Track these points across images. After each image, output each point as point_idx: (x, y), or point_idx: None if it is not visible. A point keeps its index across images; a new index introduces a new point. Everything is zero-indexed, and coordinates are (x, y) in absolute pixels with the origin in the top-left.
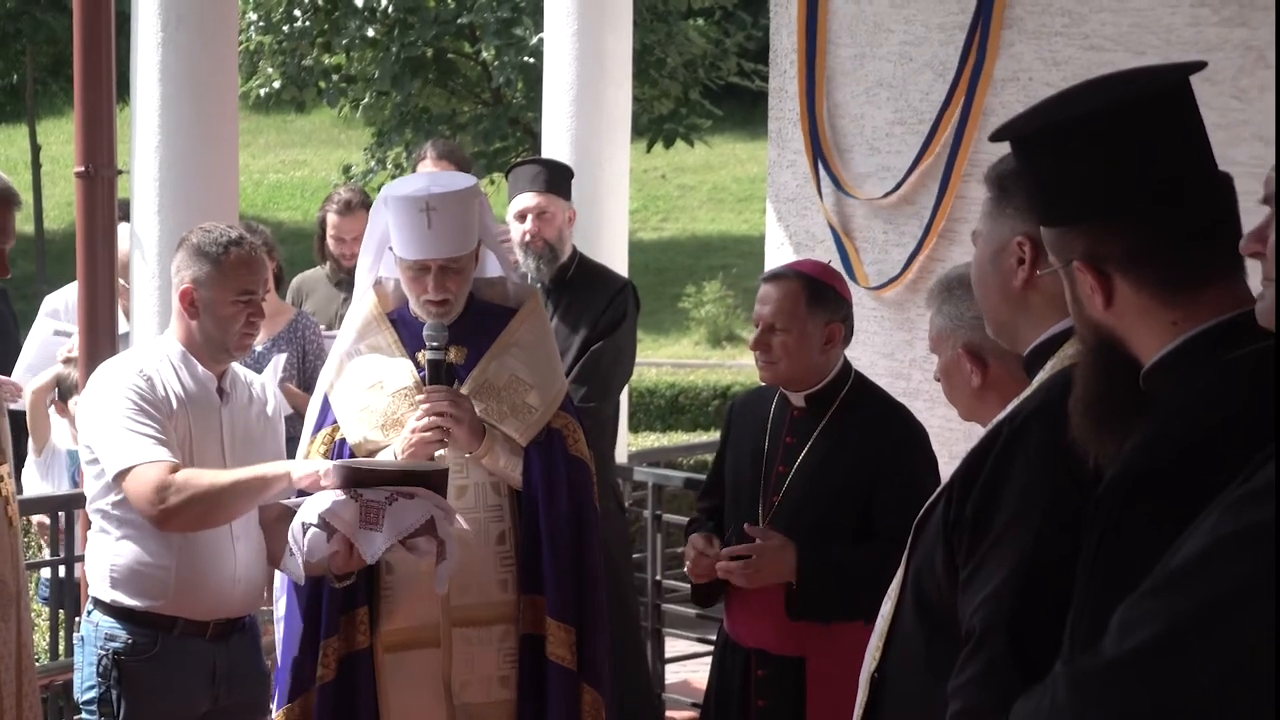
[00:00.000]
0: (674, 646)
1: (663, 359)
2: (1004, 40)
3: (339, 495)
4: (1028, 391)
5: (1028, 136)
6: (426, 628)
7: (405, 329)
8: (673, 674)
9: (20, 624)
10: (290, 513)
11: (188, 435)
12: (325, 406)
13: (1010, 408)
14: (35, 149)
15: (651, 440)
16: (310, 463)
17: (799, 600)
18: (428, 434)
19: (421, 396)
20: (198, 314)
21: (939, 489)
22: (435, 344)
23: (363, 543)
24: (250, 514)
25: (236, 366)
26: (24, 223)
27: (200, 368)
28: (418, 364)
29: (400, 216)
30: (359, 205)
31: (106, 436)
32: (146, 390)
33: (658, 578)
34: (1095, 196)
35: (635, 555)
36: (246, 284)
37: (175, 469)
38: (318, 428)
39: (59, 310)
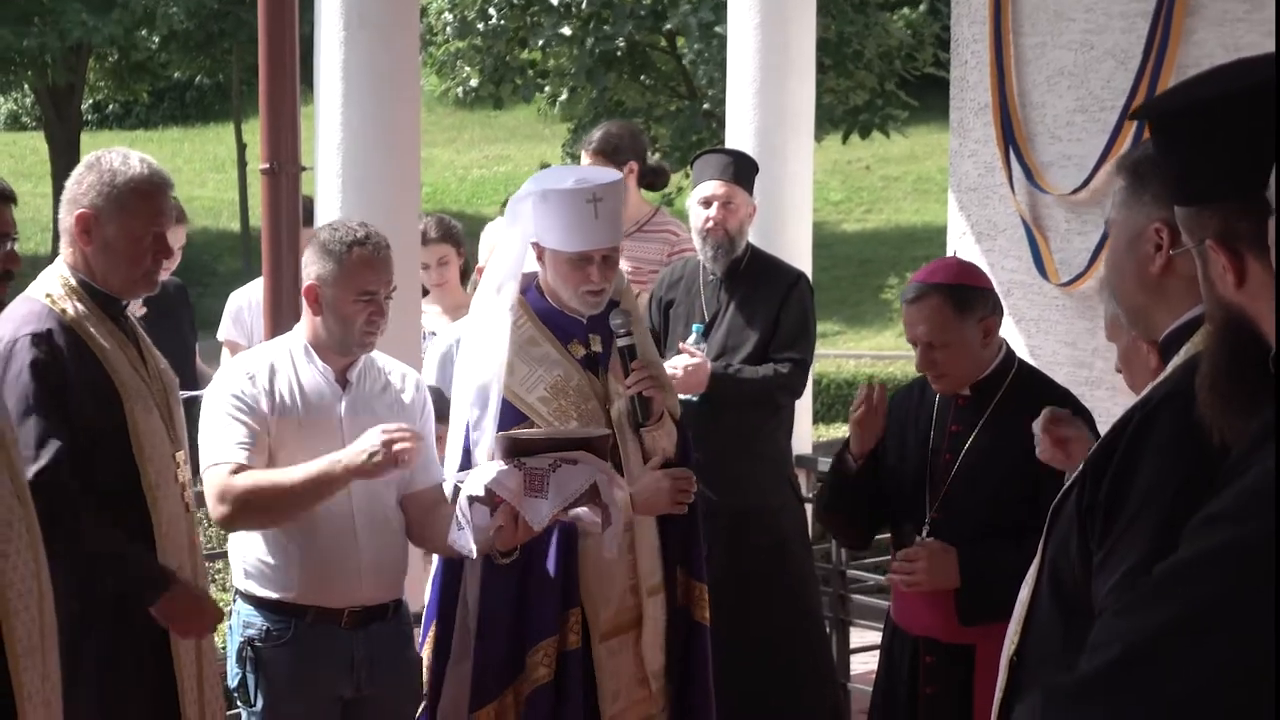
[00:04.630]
0: (860, 637)
1: (864, 351)
2: (1186, 28)
3: (502, 466)
4: (1161, 377)
5: (1167, 114)
6: (629, 609)
7: (553, 325)
8: (859, 664)
9: None
10: (443, 497)
11: (299, 427)
12: (504, 406)
13: (1144, 393)
14: (241, 147)
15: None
16: (361, 442)
17: (966, 608)
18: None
19: (632, 376)
20: (321, 311)
21: (1074, 475)
22: (625, 330)
23: (529, 510)
24: (381, 500)
25: (378, 356)
26: (230, 220)
27: (320, 361)
28: (578, 357)
29: (567, 210)
30: None
31: (201, 437)
32: (247, 390)
33: (843, 568)
34: (1231, 175)
35: (820, 546)
36: (368, 283)
37: (240, 469)
38: (502, 427)
39: (242, 308)
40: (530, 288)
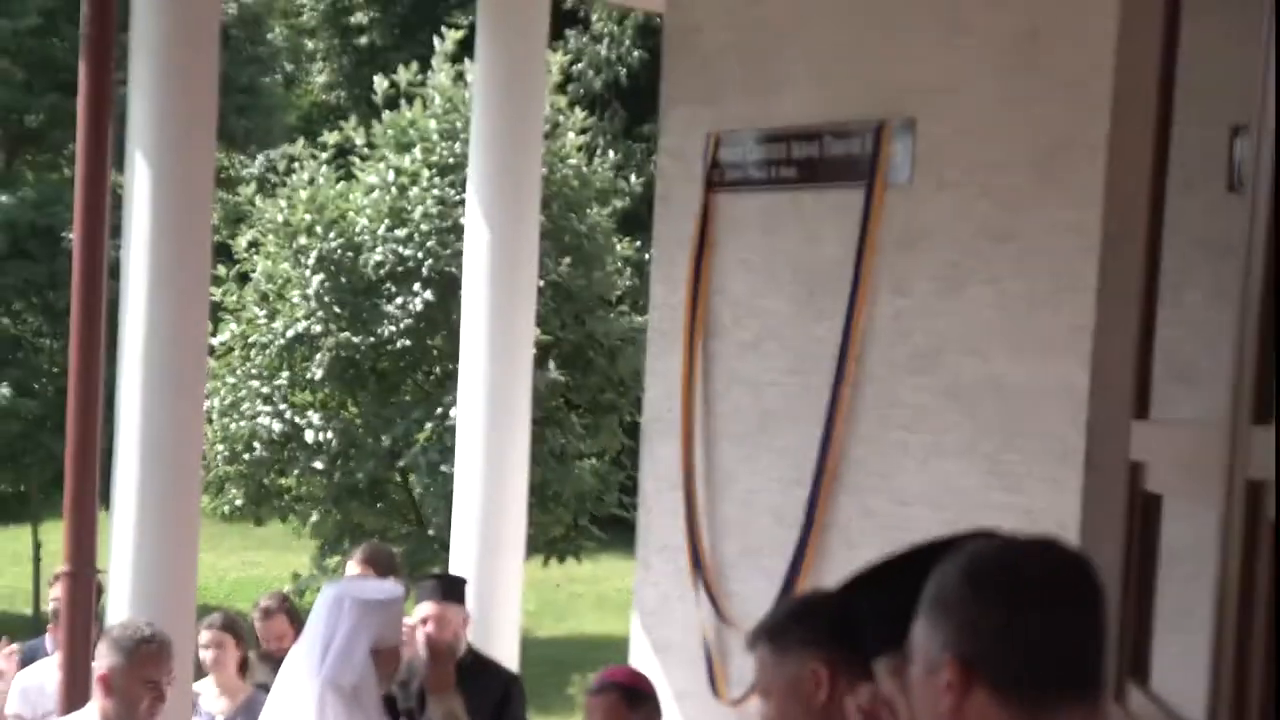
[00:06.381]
0: None
1: None
2: (831, 491)
3: None
4: None
5: (861, 583)
6: None
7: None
8: None
9: None
10: None
11: None
12: None
13: None
14: (36, 545)
15: None
16: None
17: None
18: None
19: None
20: (111, 694)
21: None
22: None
23: None
24: None
25: None
26: (23, 605)
27: None
28: None
29: (396, 611)
30: (277, 611)
31: None
32: None
33: None
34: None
35: None
36: (153, 674)
37: None
38: None
39: (29, 689)
40: None
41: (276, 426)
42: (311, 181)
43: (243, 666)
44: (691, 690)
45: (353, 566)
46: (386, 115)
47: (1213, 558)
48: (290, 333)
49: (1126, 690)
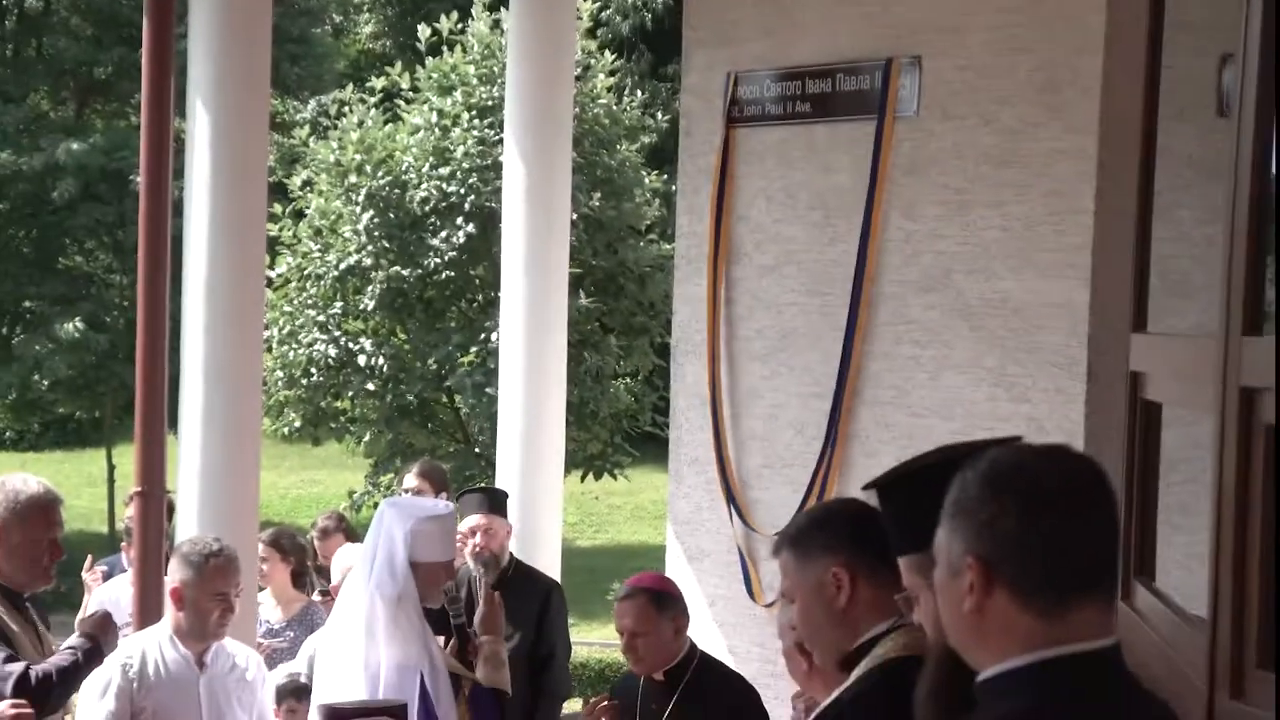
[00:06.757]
0: None
1: (593, 640)
2: (851, 405)
3: None
4: (848, 682)
5: (891, 482)
6: None
7: None
8: None
9: None
10: None
11: (168, 701)
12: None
13: (833, 695)
14: (110, 468)
15: (579, 705)
16: None
17: None
18: None
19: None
20: (183, 607)
21: None
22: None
23: None
24: None
25: (228, 642)
26: (99, 524)
27: (182, 647)
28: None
29: (443, 529)
30: (335, 530)
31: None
32: (116, 679)
33: None
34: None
35: None
36: (221, 587)
37: None
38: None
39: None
40: None
41: (331, 352)
42: (360, 124)
43: (298, 578)
44: (723, 595)
45: (410, 479)
46: (429, 61)
47: (1210, 461)
48: (342, 265)
49: (1134, 589)
